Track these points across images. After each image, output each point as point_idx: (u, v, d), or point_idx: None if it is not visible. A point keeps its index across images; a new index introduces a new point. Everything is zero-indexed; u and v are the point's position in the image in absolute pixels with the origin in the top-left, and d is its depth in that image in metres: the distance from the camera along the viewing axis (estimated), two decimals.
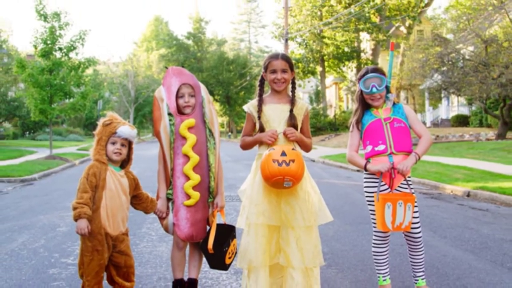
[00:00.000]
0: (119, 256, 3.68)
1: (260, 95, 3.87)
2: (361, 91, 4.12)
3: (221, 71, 58.22)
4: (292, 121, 3.77)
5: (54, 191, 11.66)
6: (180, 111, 3.90)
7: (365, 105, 4.16)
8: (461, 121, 32.86)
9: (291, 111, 3.80)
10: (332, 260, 5.30)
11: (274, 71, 3.80)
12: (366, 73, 4.09)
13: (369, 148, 4.05)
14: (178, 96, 3.91)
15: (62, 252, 5.74)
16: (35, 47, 20.65)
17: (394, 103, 4.15)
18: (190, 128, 3.84)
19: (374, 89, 4.01)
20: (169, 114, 3.88)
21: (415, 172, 13.40)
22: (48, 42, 20.38)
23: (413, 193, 4.00)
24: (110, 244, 3.60)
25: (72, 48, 20.99)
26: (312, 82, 51.30)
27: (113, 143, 3.67)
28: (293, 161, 3.43)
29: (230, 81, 58.11)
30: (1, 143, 32.67)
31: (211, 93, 62.31)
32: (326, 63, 41.77)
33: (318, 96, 43.83)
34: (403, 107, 4.17)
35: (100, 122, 3.73)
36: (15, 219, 7.97)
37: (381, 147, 3.99)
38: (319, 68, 42.46)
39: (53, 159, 20.03)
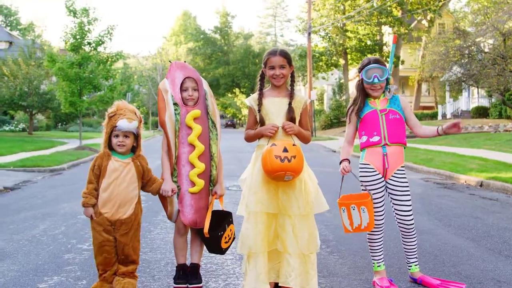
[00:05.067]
0: (118, 242, 3.80)
1: (261, 89, 3.99)
2: (362, 80, 4.20)
3: (247, 64, 58.70)
4: (290, 114, 3.83)
5: (80, 180, 11.64)
6: (184, 103, 4.01)
7: (364, 95, 4.23)
8: (481, 112, 32.41)
9: (289, 104, 3.86)
10: (335, 247, 5.42)
11: (272, 67, 3.87)
12: (369, 63, 4.17)
13: (364, 138, 4.16)
14: (182, 89, 4.02)
15: (79, 238, 5.95)
16: (66, 42, 21.10)
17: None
18: (195, 119, 3.96)
19: (376, 80, 4.09)
20: (175, 104, 3.98)
21: (432, 162, 13.50)
22: (78, 37, 20.76)
23: (406, 182, 4.14)
24: (108, 227, 3.75)
25: (100, 42, 21.37)
26: (336, 75, 51.36)
27: (116, 136, 3.77)
28: (294, 157, 3.52)
29: (255, 74, 57.84)
30: (34, 135, 33.23)
31: (237, 85, 63.00)
32: (349, 56, 41.80)
33: (341, 88, 43.92)
34: (399, 99, 4.23)
35: (106, 113, 3.83)
36: (40, 207, 8.17)
37: (375, 138, 4.09)
38: (342, 61, 42.51)
39: (82, 149, 20.32)
